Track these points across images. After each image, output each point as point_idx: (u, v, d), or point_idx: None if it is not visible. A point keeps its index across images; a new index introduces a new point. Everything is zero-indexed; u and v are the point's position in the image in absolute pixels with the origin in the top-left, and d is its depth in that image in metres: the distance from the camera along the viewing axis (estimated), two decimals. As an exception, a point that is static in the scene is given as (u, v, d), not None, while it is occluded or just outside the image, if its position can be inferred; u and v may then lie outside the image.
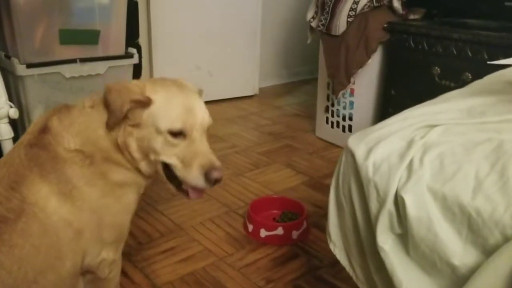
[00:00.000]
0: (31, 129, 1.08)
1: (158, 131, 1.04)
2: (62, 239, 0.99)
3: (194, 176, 1.07)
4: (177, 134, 1.05)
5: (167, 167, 1.09)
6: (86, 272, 1.09)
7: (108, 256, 1.10)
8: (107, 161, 1.06)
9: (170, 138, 1.05)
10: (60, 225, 0.99)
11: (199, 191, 1.13)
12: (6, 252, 0.94)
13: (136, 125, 1.05)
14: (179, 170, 1.08)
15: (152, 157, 1.07)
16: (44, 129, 1.05)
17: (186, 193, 1.14)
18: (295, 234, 1.73)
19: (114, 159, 1.06)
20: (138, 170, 1.10)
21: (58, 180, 1.00)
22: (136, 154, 1.07)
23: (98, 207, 1.05)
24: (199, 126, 1.07)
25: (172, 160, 1.07)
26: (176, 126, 1.04)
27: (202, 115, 1.08)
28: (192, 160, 1.07)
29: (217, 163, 1.08)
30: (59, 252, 0.99)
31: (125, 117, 1.04)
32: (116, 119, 1.02)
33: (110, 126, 1.04)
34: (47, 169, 1.00)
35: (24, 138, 1.07)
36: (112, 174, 1.06)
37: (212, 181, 1.07)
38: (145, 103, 1.03)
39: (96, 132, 1.05)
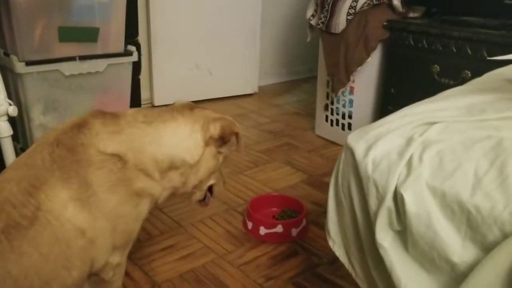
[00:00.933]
0: (62, 126, 1.06)
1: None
2: (72, 248, 0.97)
3: (222, 187, 1.36)
4: None
5: None
6: (90, 274, 1.08)
7: (114, 260, 1.09)
8: (138, 170, 1.07)
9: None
10: (72, 234, 0.97)
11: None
12: (14, 260, 0.91)
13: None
14: (217, 186, 1.34)
15: (205, 183, 1.27)
16: (80, 128, 1.04)
17: (205, 203, 1.37)
18: (294, 231, 1.73)
19: (147, 170, 1.09)
20: (160, 188, 1.15)
21: (79, 185, 0.98)
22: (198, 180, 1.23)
23: (114, 215, 1.03)
24: None
25: (214, 179, 1.30)
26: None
27: None
28: (219, 174, 1.32)
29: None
30: (67, 261, 0.97)
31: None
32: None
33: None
34: (70, 172, 0.98)
35: (50, 135, 1.04)
36: (137, 181, 1.07)
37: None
38: None
39: (144, 147, 1.08)
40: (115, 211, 1.03)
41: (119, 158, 1.03)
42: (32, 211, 0.93)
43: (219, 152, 1.23)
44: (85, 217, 0.98)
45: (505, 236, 0.74)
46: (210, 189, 1.33)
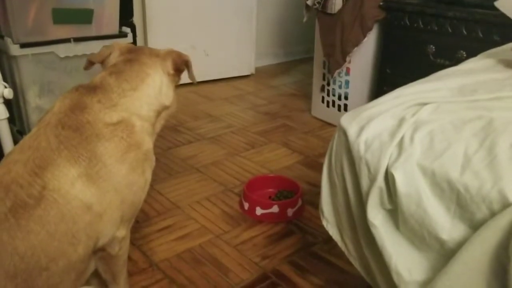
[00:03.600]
0: (58, 108, 1.08)
1: None
2: (78, 224, 0.99)
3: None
4: None
5: None
6: (97, 250, 1.09)
7: (120, 234, 1.11)
8: (144, 131, 1.15)
9: None
10: (79, 211, 0.98)
11: None
12: (22, 237, 0.93)
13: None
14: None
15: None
16: (82, 108, 1.07)
17: None
18: (290, 211, 1.75)
19: (148, 129, 1.19)
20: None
21: (88, 161, 1.00)
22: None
23: (123, 186, 1.06)
24: None
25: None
26: None
27: None
28: None
29: None
30: (73, 237, 0.99)
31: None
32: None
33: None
34: (79, 150, 1.01)
35: (51, 118, 1.06)
36: (144, 144, 1.14)
37: None
38: None
39: (140, 110, 1.17)
40: (124, 182, 1.06)
41: (126, 124, 1.10)
42: (39, 191, 0.96)
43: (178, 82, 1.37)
44: (93, 192, 1.00)
45: (492, 214, 0.76)
46: None
